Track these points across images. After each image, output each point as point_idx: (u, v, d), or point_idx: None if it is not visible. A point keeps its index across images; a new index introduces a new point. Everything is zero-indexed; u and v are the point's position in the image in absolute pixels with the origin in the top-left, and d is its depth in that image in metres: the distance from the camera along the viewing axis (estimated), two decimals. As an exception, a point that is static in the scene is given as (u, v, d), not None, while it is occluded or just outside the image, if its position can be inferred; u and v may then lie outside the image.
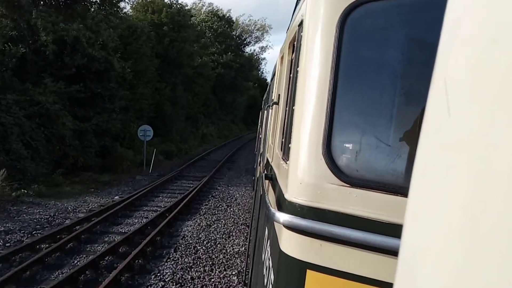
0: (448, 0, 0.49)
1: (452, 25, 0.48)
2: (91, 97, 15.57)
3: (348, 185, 1.63)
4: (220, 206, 11.41)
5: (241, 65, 38.93)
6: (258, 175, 5.50)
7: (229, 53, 37.01)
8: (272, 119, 3.42)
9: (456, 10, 0.47)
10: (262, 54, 56.37)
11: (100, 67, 14.92)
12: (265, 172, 3.08)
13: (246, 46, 42.28)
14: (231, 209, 11.24)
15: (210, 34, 36.20)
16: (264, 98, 12.37)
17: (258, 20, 49.35)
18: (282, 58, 3.47)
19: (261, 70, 58.15)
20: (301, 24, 2.06)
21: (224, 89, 38.82)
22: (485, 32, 0.41)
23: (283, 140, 2.49)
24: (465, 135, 0.41)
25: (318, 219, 1.65)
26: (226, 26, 38.31)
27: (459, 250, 0.39)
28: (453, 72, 0.46)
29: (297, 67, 1.99)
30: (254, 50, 47.80)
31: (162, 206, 10.82)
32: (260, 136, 6.95)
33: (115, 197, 11.68)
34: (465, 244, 0.39)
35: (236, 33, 39.87)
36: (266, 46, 51.37)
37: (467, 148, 0.40)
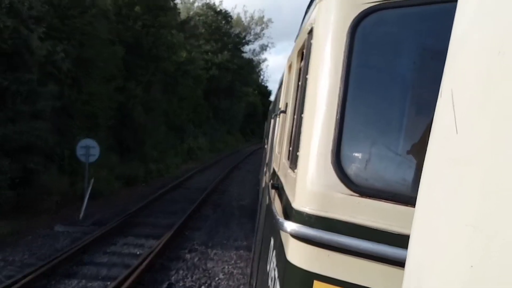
0: (456, 13, 0.52)
1: (459, 38, 0.50)
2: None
3: (358, 195, 1.66)
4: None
5: (239, 66, 32.79)
6: (264, 185, 5.45)
7: (226, 51, 30.45)
8: (279, 128, 3.47)
9: (463, 23, 0.50)
10: (263, 54, 49.85)
11: (5, 45, 7.63)
12: (272, 181, 3.06)
13: (246, 46, 35.92)
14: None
15: (203, 30, 29.73)
16: (270, 108, 11.96)
17: (254, 11, 42.81)
18: (290, 66, 3.60)
19: (262, 75, 51.77)
20: (311, 32, 2.09)
21: (219, 94, 32.45)
22: (491, 45, 0.43)
23: (290, 149, 2.54)
24: (474, 149, 0.43)
25: (326, 229, 1.67)
26: (223, 22, 31.85)
27: (466, 267, 0.40)
28: (460, 85, 0.48)
29: (306, 75, 2.02)
30: (254, 49, 41.62)
31: None
32: (266, 146, 7.15)
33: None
34: (473, 261, 0.40)
35: (234, 31, 33.49)
36: (267, 45, 45.05)
37: (475, 163, 0.42)
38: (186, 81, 24.73)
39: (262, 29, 47.12)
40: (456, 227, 0.43)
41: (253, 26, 45.80)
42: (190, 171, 20.25)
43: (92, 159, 11.72)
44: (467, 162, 0.43)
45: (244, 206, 13.76)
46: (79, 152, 11.74)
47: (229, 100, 38.60)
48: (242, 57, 40.68)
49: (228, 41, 37.34)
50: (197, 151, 27.02)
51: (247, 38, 42.31)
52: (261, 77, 59.46)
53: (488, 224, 0.39)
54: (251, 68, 43.37)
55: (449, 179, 0.46)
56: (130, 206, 12.16)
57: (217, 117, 37.97)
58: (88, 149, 11.73)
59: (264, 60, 63.32)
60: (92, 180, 11.54)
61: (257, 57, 50.20)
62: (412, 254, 0.53)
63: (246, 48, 45.04)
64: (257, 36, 47.06)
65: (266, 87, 68.19)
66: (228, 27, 38.56)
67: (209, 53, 36.39)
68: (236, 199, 15.09)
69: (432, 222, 0.49)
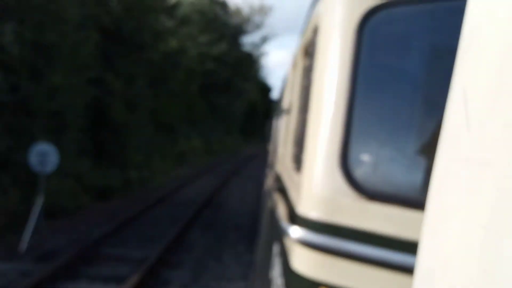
0: (467, 6, 0.52)
1: (471, 32, 0.50)
2: None
3: (366, 199, 1.69)
4: None
5: (238, 60, 30.13)
6: (267, 188, 5.60)
7: (223, 43, 27.92)
8: (284, 128, 3.56)
9: (475, 17, 0.50)
10: (264, 47, 47.29)
11: None
12: (275, 184, 3.21)
13: (245, 37, 33.31)
14: None
15: (198, 20, 27.19)
16: (274, 107, 11.82)
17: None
18: (295, 64, 3.63)
19: (263, 71, 49.08)
20: (316, 28, 2.13)
21: (215, 90, 29.77)
22: (504, 39, 0.43)
23: (295, 150, 2.59)
24: (487, 149, 0.43)
25: (333, 235, 1.70)
26: (220, 12, 29.32)
27: (478, 272, 0.41)
28: (472, 82, 0.48)
29: (312, 74, 2.06)
30: (254, 42, 38.93)
31: None
32: (270, 147, 7.51)
33: None
34: (486, 266, 0.40)
35: (232, 21, 31.02)
36: (267, 36, 42.28)
37: (489, 163, 0.43)
38: (176, 74, 22.09)
39: (262, 18, 44.46)
40: (468, 229, 0.43)
41: (253, 16, 43.15)
42: (180, 179, 17.88)
43: (49, 168, 9.13)
44: (479, 162, 0.43)
45: (242, 227, 11.29)
46: (33, 159, 9.19)
47: (227, 97, 36.13)
48: (241, 49, 38.08)
49: (226, 31, 34.77)
50: (190, 154, 24.48)
51: (246, 29, 39.57)
52: (263, 73, 56.79)
53: (502, 226, 0.39)
54: (251, 62, 40.66)
55: (460, 180, 0.47)
56: (96, 230, 9.67)
57: (214, 116, 35.63)
58: (44, 156, 9.12)
59: (265, 53, 60.35)
60: (43, 198, 8.91)
61: (257, 51, 47.40)
62: (422, 259, 0.53)
63: (246, 40, 42.48)
64: (258, 26, 44.36)
65: (267, 84, 65.49)
66: (225, 17, 35.99)
67: (205, 45, 33.86)
68: (233, 217, 12.67)
69: (443, 225, 0.49)
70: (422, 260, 0.53)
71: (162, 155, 21.35)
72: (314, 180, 1.74)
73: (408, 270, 1.53)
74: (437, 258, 0.48)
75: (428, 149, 1.67)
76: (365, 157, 1.75)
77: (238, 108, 41.92)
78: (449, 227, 0.47)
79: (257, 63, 50.15)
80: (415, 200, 1.59)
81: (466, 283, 0.41)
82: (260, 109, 56.17)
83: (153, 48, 19.20)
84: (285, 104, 4.26)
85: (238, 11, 42.16)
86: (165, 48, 21.06)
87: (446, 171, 0.50)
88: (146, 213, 12.55)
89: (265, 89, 65.29)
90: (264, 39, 49.26)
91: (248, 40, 43.81)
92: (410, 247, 1.52)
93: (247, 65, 40.22)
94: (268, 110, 64.37)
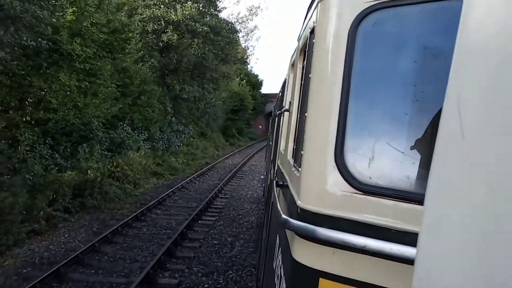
0: (461, 17, 0.51)
1: (466, 42, 0.50)
2: None
3: (361, 193, 1.77)
4: None
5: (214, 30, 15.92)
6: (269, 182, 5.97)
7: (189, 2, 13.05)
8: (284, 126, 3.50)
9: (470, 26, 0.50)
10: (252, 20, 34.55)
11: None
12: (276, 179, 3.19)
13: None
14: None
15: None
16: (274, 106, 12.80)
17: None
18: (293, 65, 3.61)
19: (251, 54, 36.17)
20: (312, 31, 2.22)
21: (180, 74, 14.71)
22: (499, 50, 0.44)
23: (294, 147, 2.66)
24: (480, 155, 0.44)
25: (331, 227, 1.76)
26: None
27: (476, 269, 0.42)
28: (466, 89, 0.49)
29: (309, 74, 2.16)
30: (239, 13, 25.67)
31: None
32: (270, 143, 7.85)
33: None
34: (483, 265, 0.41)
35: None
36: (258, 7, 29.60)
37: (482, 167, 0.44)
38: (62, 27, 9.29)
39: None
40: (465, 230, 0.44)
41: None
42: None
43: None
44: (473, 167, 0.44)
45: None
46: None
47: (200, 84, 23.43)
48: (218, 16, 25.24)
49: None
50: (110, 185, 11.68)
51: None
52: (251, 61, 43.64)
53: (496, 227, 0.40)
54: (233, 36, 27.81)
55: (456, 182, 0.47)
56: None
57: (179, 112, 22.63)
58: None
59: (254, 29, 46.84)
60: None
61: (244, 26, 34.58)
62: (420, 260, 0.54)
63: (229, 12, 29.62)
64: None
65: (257, 75, 52.00)
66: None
67: (161, 6, 21.29)
68: None
69: (440, 226, 0.50)
70: (421, 261, 0.53)
71: (16, 200, 8.60)
72: (313, 175, 1.80)
73: (402, 259, 1.60)
74: (435, 258, 0.49)
75: (420, 145, 1.75)
76: (360, 153, 1.81)
77: (217, 102, 29.29)
78: (445, 227, 0.47)
79: (244, 44, 37.75)
80: (408, 193, 1.69)
81: (463, 283, 0.42)
82: (248, 104, 44.17)
83: None
84: (285, 102, 4.33)
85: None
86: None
87: (442, 174, 0.51)
88: None
89: (255, 81, 52.83)
90: (253, 11, 36.59)
91: (232, 12, 31.51)
92: (404, 238, 1.61)
93: (228, 41, 27.38)
94: (259, 105, 52.04)
